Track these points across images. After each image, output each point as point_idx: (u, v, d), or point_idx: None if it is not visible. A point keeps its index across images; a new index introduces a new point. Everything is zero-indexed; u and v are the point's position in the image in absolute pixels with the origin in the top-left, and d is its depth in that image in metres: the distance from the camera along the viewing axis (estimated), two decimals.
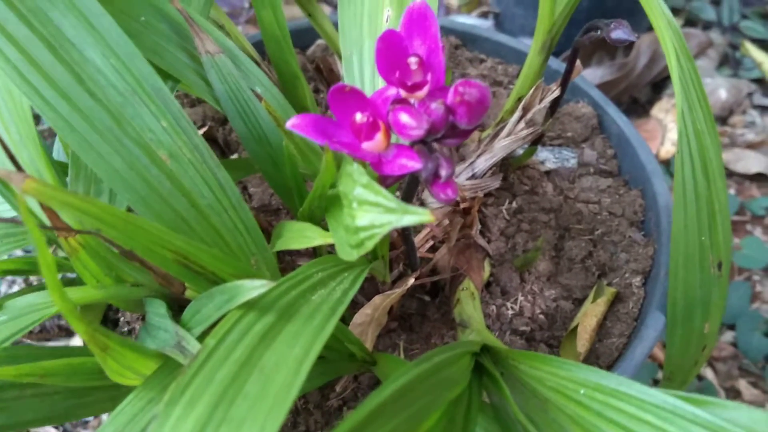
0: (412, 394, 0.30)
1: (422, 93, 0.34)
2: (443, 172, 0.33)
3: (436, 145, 0.34)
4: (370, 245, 0.31)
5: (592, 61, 1.21)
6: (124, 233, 0.33)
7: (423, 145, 0.34)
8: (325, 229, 0.42)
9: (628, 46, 1.22)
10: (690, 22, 1.34)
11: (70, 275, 0.56)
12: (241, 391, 0.28)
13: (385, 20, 0.43)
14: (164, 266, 0.36)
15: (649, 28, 1.31)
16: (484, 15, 1.34)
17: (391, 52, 0.34)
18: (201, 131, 0.68)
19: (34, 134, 0.42)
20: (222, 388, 0.28)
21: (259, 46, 0.77)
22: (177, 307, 0.43)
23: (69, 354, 0.39)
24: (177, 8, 0.45)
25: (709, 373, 0.88)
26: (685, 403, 0.32)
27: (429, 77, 0.34)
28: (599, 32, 0.52)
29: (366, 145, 0.33)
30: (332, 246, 0.42)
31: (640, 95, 1.23)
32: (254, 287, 0.32)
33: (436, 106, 0.32)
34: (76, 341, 0.81)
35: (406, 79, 0.34)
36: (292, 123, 0.33)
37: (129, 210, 0.42)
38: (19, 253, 0.71)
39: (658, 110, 1.19)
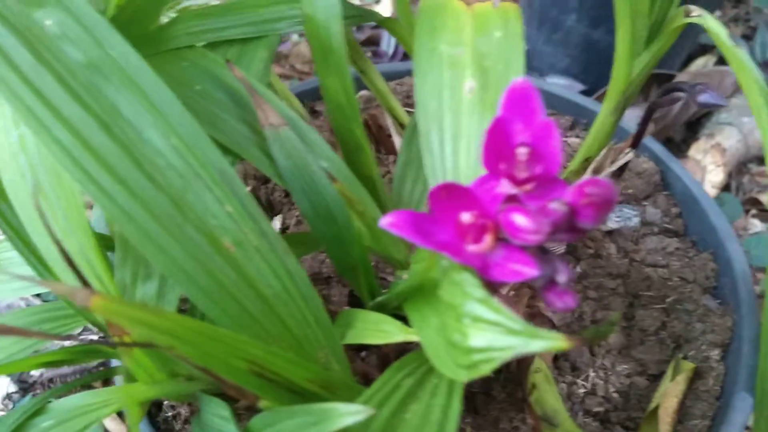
0: None
1: (530, 186, 0.30)
2: (561, 278, 0.30)
3: (550, 246, 0.31)
4: (486, 370, 0.27)
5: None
6: (197, 347, 0.29)
7: (537, 246, 0.30)
8: (398, 318, 0.38)
9: (662, 83, 1.18)
10: (722, 59, 1.31)
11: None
12: None
13: (467, 92, 0.39)
14: (238, 379, 0.32)
15: (684, 65, 1.28)
16: None
17: (498, 141, 0.30)
18: None
19: (85, 222, 0.38)
20: None
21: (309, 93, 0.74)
22: (233, 403, 0.39)
23: None
24: (237, 77, 0.41)
25: None
26: None
27: (539, 169, 0.30)
28: (683, 94, 0.48)
29: (472, 248, 0.30)
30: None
31: (676, 135, 1.19)
32: (349, 413, 0.28)
33: (558, 207, 0.28)
34: None
35: (514, 171, 0.30)
36: (387, 222, 0.29)
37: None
38: None
39: (696, 151, 1.15)
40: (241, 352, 0.31)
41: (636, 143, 0.54)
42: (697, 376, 0.55)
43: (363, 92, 0.74)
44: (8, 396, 0.75)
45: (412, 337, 0.36)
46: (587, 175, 0.55)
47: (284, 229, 0.64)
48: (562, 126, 0.74)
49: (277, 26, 0.46)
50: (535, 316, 0.55)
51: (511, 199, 0.30)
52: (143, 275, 0.42)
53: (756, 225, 1.11)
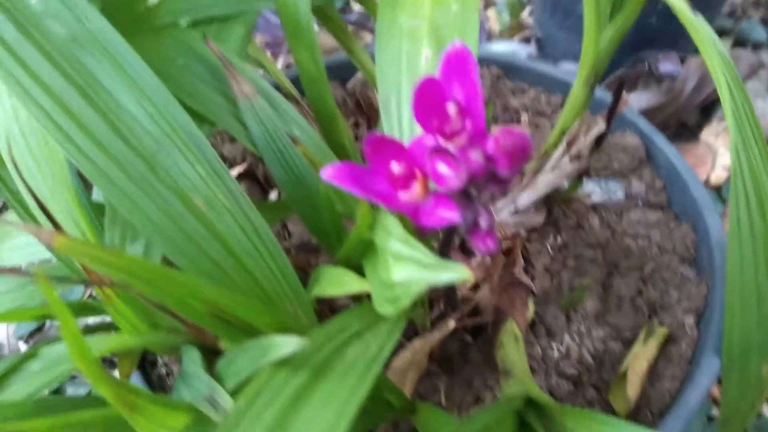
0: None
1: (461, 140, 0.33)
2: (483, 222, 0.32)
3: (475, 194, 0.33)
4: (406, 302, 0.30)
5: (638, 85, 1.18)
6: (155, 286, 0.33)
7: (462, 194, 0.33)
8: (363, 274, 0.41)
9: None
10: (739, 42, 1.30)
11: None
12: None
13: (424, 61, 0.42)
14: (196, 319, 0.35)
15: (697, 50, 1.28)
16: (526, 40, 1.33)
17: (428, 99, 0.33)
18: (240, 167, 0.67)
19: (68, 181, 0.41)
20: None
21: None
22: (213, 354, 0.42)
23: (106, 403, 0.38)
24: (214, 51, 0.44)
25: (766, 410, 0.84)
26: None
27: (468, 124, 0.33)
28: (646, 65, 0.50)
29: (403, 195, 0.32)
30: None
31: (689, 119, 1.19)
32: (287, 344, 0.31)
33: (476, 156, 0.31)
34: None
35: (445, 127, 0.33)
36: (327, 173, 0.32)
37: (165, 258, 0.42)
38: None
39: (708, 134, 1.16)
40: (200, 294, 0.34)
41: (611, 115, 0.56)
42: (670, 341, 0.57)
43: (360, 74, 0.76)
44: None
45: (367, 288, 0.39)
46: (562, 147, 0.57)
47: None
48: (553, 104, 0.75)
49: (253, 5, 0.49)
50: (512, 284, 0.58)
51: (441, 151, 0.33)
52: (131, 236, 0.46)
53: None
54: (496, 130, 0.30)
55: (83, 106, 0.38)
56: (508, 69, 0.78)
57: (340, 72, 0.77)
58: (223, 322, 0.36)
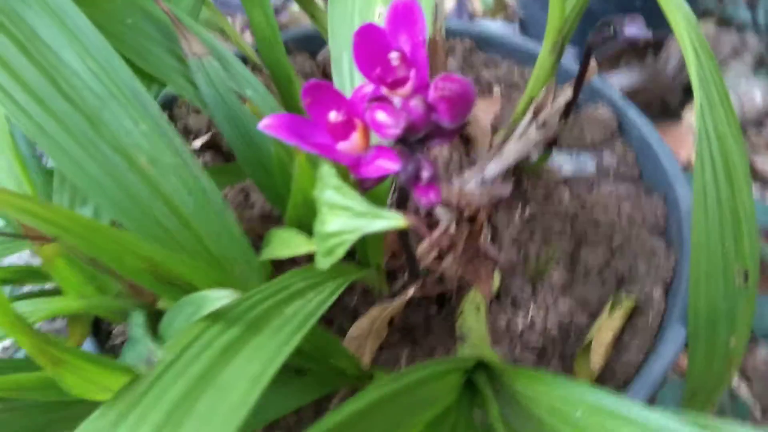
0: (386, 410, 0.28)
1: (405, 91, 0.32)
2: (424, 174, 0.31)
3: (418, 147, 0.32)
4: (340, 252, 0.29)
5: (620, 65, 1.17)
6: (87, 240, 0.31)
7: (405, 146, 0.32)
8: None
9: (658, 48, 1.18)
10: (723, 23, 1.29)
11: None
12: (192, 410, 0.26)
13: (377, 17, 0.41)
14: (133, 276, 0.34)
15: None
16: (508, 20, 1.32)
17: (371, 47, 0.32)
18: (204, 138, 0.66)
19: (9, 140, 0.40)
20: (172, 406, 0.26)
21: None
22: (160, 317, 0.41)
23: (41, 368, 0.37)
24: (163, 9, 0.43)
25: (743, 390, 0.84)
26: (688, 426, 0.29)
27: (412, 74, 0.32)
28: (612, 29, 0.49)
29: (342, 146, 0.31)
30: None
31: (672, 99, 1.18)
32: (218, 298, 0.30)
33: (416, 103, 0.30)
34: None
35: (388, 76, 0.32)
36: (264, 123, 0.31)
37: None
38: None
39: (690, 114, 1.15)
40: (137, 251, 0.33)
41: (579, 83, 0.55)
42: (637, 312, 0.56)
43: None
44: None
45: (314, 247, 0.38)
46: (529, 115, 0.56)
47: None
48: (527, 77, 0.74)
49: None
50: (478, 255, 0.57)
51: (380, 99, 0.31)
52: (80, 200, 0.44)
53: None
54: (439, 75, 0.29)
55: (22, 61, 0.37)
56: (480, 41, 0.77)
57: (310, 44, 0.76)
58: (162, 281, 0.35)
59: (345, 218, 0.28)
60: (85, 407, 0.40)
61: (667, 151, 0.62)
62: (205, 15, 0.61)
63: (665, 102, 1.18)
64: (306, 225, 0.42)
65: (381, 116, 0.29)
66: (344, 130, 0.31)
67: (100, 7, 0.45)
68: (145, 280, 0.34)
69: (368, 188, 0.32)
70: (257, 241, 0.58)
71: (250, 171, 0.45)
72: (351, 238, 0.28)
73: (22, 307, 0.42)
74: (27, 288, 0.68)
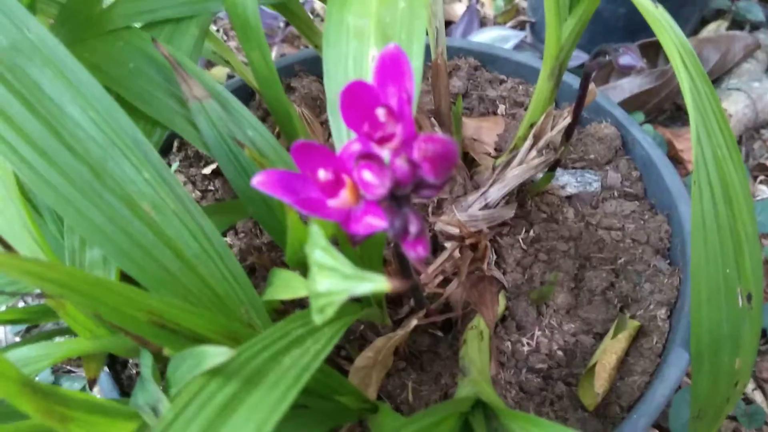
0: None
1: (393, 145, 0.33)
2: (412, 229, 0.32)
3: (406, 201, 0.33)
4: (330, 312, 0.29)
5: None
6: (90, 297, 0.33)
7: (392, 200, 0.32)
8: None
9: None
10: (736, 23, 1.28)
11: None
12: None
13: (371, 61, 0.41)
14: (136, 329, 0.35)
15: (693, 32, 1.26)
16: (520, 25, 1.31)
17: (359, 104, 0.32)
18: (214, 165, 0.67)
19: (18, 189, 0.41)
20: None
21: (286, 70, 0.76)
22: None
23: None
24: (163, 53, 0.44)
25: (758, 396, 0.84)
26: None
27: (399, 129, 0.32)
28: (608, 57, 0.49)
29: (332, 203, 0.32)
30: None
31: (683, 102, 1.18)
32: (217, 354, 0.31)
33: (400, 163, 0.30)
34: None
35: (375, 132, 0.32)
36: (257, 180, 0.32)
37: None
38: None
39: None
40: (139, 303, 0.34)
41: (578, 108, 0.55)
42: (642, 334, 0.56)
43: None
44: None
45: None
46: (529, 140, 0.56)
47: None
48: (531, 94, 0.75)
49: (207, 5, 0.48)
50: (483, 279, 0.57)
51: (367, 157, 0.32)
52: (90, 245, 0.46)
53: (764, 191, 1.10)
54: (421, 135, 0.30)
55: (25, 114, 0.38)
56: (485, 59, 0.77)
57: (317, 67, 0.77)
58: (165, 331, 0.36)
59: (333, 279, 0.29)
60: None
61: (671, 169, 0.62)
62: (210, 47, 0.62)
63: (677, 106, 1.18)
64: (306, 266, 0.43)
65: (367, 176, 0.30)
66: (333, 187, 0.32)
67: (102, 52, 0.46)
68: (148, 333, 0.35)
69: (360, 242, 0.33)
70: (266, 272, 0.59)
71: (253, 210, 0.46)
72: (340, 299, 0.29)
73: (36, 350, 0.43)
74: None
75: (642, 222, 0.62)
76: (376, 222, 0.31)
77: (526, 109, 0.73)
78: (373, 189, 0.30)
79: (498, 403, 0.37)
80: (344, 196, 0.32)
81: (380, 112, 0.32)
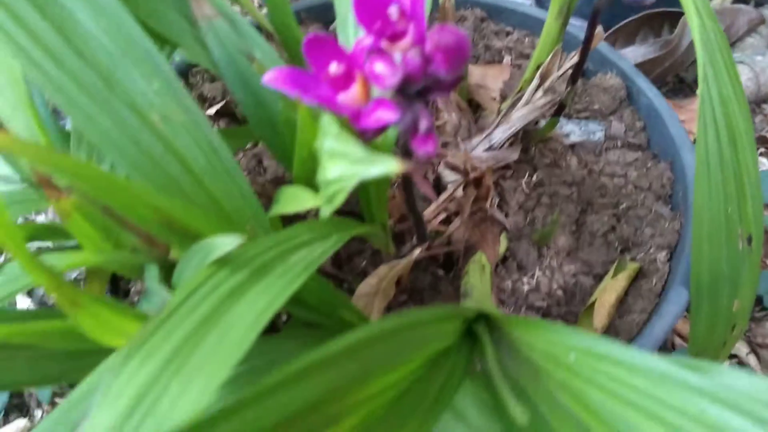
0: (388, 342, 0.29)
1: (404, 44, 0.33)
2: (422, 124, 0.32)
3: (417, 99, 0.33)
4: (340, 198, 0.30)
5: (636, 39, 1.17)
6: (102, 190, 0.33)
7: (404, 98, 0.33)
8: None
9: (675, 22, 1.17)
10: None
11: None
12: (199, 345, 0.27)
13: None
14: (146, 225, 0.35)
15: None
16: None
17: (371, 1, 0.33)
18: (218, 105, 0.68)
19: (27, 99, 0.42)
20: (180, 342, 0.27)
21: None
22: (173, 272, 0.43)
23: (63, 316, 0.39)
24: None
25: (752, 360, 0.84)
26: (679, 367, 0.30)
27: (411, 27, 0.33)
28: None
29: (342, 98, 0.32)
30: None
31: (687, 74, 1.18)
32: (225, 243, 0.31)
33: (413, 54, 0.31)
34: None
35: (387, 29, 0.33)
36: (268, 77, 0.32)
37: None
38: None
39: None
40: (148, 202, 0.35)
41: (586, 48, 0.55)
42: (641, 276, 0.57)
43: None
44: None
45: (321, 201, 0.39)
46: (535, 81, 0.56)
47: None
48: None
49: None
50: (485, 219, 0.58)
51: (379, 51, 0.32)
52: (96, 159, 0.46)
53: (764, 163, 1.10)
54: (434, 27, 0.30)
55: (37, 19, 0.38)
56: (492, 11, 0.77)
57: (324, 15, 0.77)
58: (174, 232, 0.36)
59: (344, 165, 0.29)
60: (102, 356, 0.42)
61: (675, 119, 0.63)
62: None
63: (680, 78, 1.18)
64: (313, 183, 0.43)
65: (379, 67, 0.30)
66: (344, 81, 0.32)
67: None
68: (157, 231, 0.35)
69: (369, 140, 0.33)
70: (268, 203, 0.59)
71: (259, 131, 0.46)
72: (350, 184, 0.29)
73: (49, 260, 0.43)
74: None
75: (644, 170, 0.63)
76: (387, 115, 0.31)
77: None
78: (384, 80, 0.30)
79: (500, 314, 0.37)
80: (355, 91, 0.32)
81: (393, 10, 0.32)
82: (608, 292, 0.54)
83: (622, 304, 0.55)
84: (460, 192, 0.56)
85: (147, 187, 0.34)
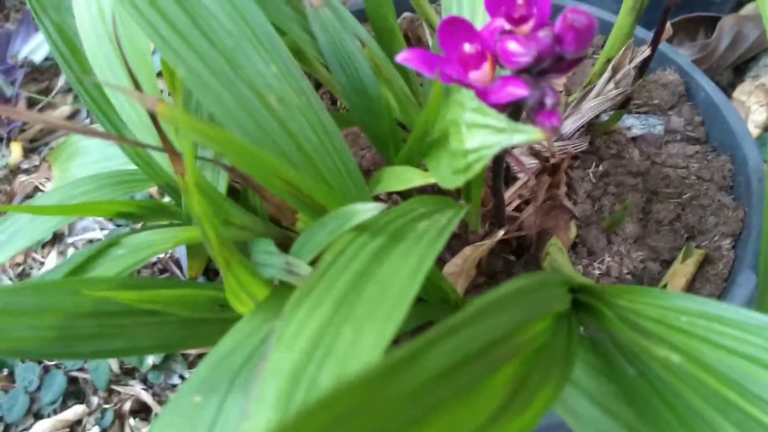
0: (535, 293, 0.31)
1: (527, 27, 0.35)
2: (549, 101, 0.34)
3: (539, 78, 0.35)
4: (478, 167, 0.32)
5: (673, 43, 1.19)
6: (245, 160, 0.35)
7: (528, 75, 0.35)
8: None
9: (710, 27, 1.20)
10: None
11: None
12: (361, 295, 0.29)
13: None
14: (281, 193, 0.37)
15: (732, 10, 1.29)
16: None
17: None
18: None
19: (153, 74, 0.44)
20: (343, 293, 0.29)
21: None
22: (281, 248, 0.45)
23: (185, 286, 0.41)
24: None
25: None
26: None
27: (535, 11, 0.35)
28: None
29: (473, 76, 0.35)
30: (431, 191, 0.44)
31: (722, 78, 1.20)
32: (367, 210, 0.34)
33: (545, 34, 0.33)
34: None
35: (512, 13, 0.35)
36: (402, 57, 0.35)
37: None
38: None
39: (741, 93, 1.17)
40: (279, 171, 0.37)
41: (656, 42, 0.58)
42: (707, 262, 0.59)
43: (406, 14, 0.79)
44: None
45: (430, 180, 0.42)
46: (607, 73, 0.59)
47: None
48: (595, 45, 0.77)
49: None
50: (556, 207, 0.60)
51: (510, 33, 0.35)
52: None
53: None
54: (567, 8, 0.33)
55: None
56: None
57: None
58: (301, 202, 0.39)
59: (485, 135, 0.32)
60: (215, 326, 0.45)
61: (735, 113, 0.65)
62: None
63: (716, 81, 1.20)
64: (414, 163, 0.46)
65: (512, 46, 0.33)
66: (476, 61, 0.34)
67: None
68: (289, 198, 0.38)
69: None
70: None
71: (358, 116, 0.48)
72: (490, 153, 0.31)
73: (157, 235, 0.46)
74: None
75: (705, 162, 0.65)
76: (517, 91, 0.33)
77: (590, 58, 0.75)
78: (517, 58, 0.33)
79: (600, 285, 0.40)
80: (485, 69, 0.34)
81: None
82: (677, 277, 0.56)
83: (689, 289, 0.57)
84: (533, 180, 0.59)
85: (276, 159, 0.37)
